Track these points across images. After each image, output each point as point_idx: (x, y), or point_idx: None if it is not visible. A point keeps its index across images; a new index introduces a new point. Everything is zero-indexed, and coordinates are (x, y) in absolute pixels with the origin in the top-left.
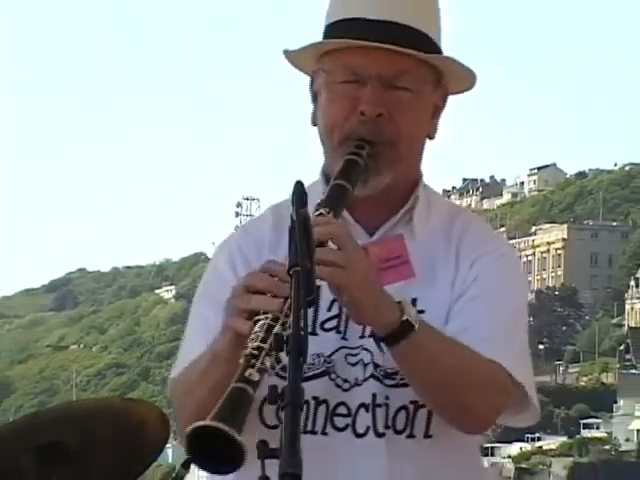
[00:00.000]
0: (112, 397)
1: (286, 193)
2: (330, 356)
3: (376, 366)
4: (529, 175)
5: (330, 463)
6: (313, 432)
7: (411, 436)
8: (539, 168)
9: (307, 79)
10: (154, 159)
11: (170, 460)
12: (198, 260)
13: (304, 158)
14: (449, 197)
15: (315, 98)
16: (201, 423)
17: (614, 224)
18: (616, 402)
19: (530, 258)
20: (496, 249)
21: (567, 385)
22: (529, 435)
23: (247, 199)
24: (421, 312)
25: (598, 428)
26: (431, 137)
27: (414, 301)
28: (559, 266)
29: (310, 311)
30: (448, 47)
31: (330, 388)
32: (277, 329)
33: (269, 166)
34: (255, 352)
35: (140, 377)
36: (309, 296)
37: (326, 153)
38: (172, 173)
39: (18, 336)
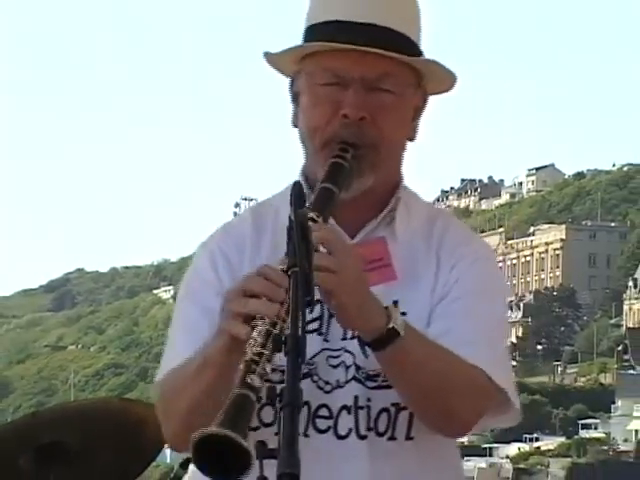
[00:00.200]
0: (110, 397)
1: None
2: (312, 358)
3: (358, 368)
4: (527, 176)
5: (312, 465)
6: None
7: (393, 438)
8: (537, 169)
9: None
10: (152, 159)
11: (168, 460)
12: None
13: (303, 159)
14: (447, 197)
15: (295, 99)
16: (209, 430)
17: (612, 225)
18: (614, 402)
19: (528, 259)
20: (476, 251)
21: (565, 385)
22: (527, 435)
23: (245, 199)
24: (403, 314)
25: (596, 428)
26: (412, 139)
27: (395, 303)
28: (557, 267)
29: None
30: (446, 48)
31: (312, 390)
32: (275, 333)
33: (268, 167)
34: (256, 358)
35: (138, 377)
36: (307, 296)
37: (307, 155)
38: (170, 173)
39: (16, 336)
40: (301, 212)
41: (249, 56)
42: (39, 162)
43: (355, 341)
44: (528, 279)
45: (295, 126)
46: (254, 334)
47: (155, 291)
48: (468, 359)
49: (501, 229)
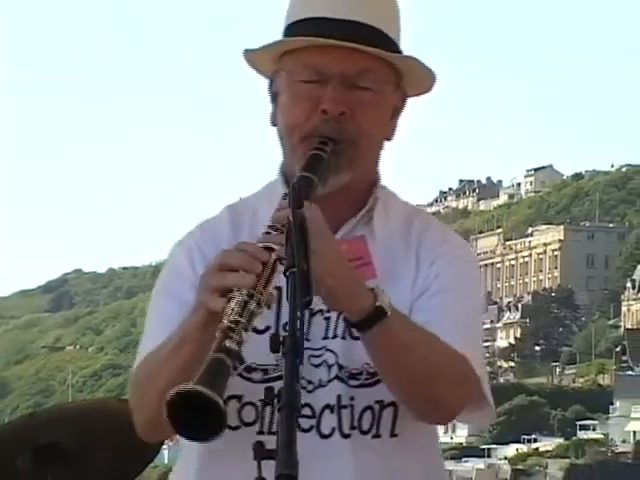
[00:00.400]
0: (108, 398)
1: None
2: None
3: (340, 367)
4: (526, 176)
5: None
6: (272, 433)
7: (377, 436)
8: (536, 169)
9: None
10: (151, 160)
11: (166, 461)
12: None
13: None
14: (446, 198)
15: (274, 98)
16: (184, 387)
17: (610, 225)
18: (612, 404)
19: (526, 259)
20: (455, 248)
21: (563, 386)
22: (525, 436)
23: None
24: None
25: (594, 430)
26: (389, 139)
27: (371, 289)
28: (555, 267)
29: (273, 312)
30: (445, 48)
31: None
32: (252, 305)
33: (266, 167)
34: (232, 325)
35: None
36: (306, 297)
37: (286, 152)
38: (169, 174)
39: (14, 337)
40: (299, 213)
41: None
42: (37, 162)
43: (337, 340)
44: (526, 280)
45: (274, 125)
46: (231, 304)
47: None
48: (452, 345)
49: (499, 230)
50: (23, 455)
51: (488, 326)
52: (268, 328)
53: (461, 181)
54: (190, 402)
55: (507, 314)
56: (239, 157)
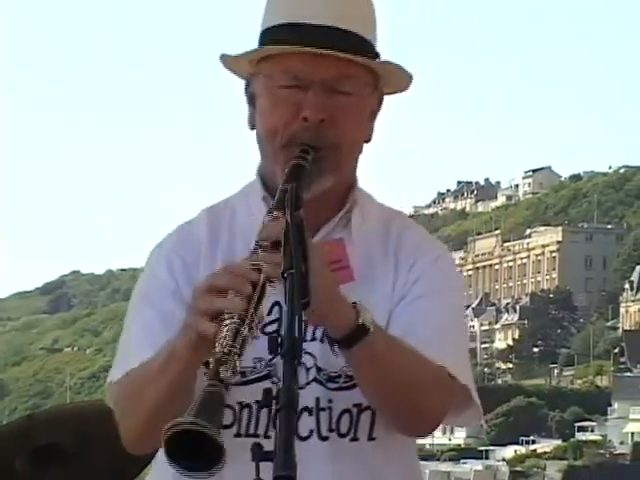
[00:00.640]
0: None
1: None
2: (272, 360)
3: (319, 370)
4: (524, 178)
5: (264, 475)
6: (255, 435)
7: (355, 439)
8: (534, 171)
9: None
10: (149, 161)
11: None
12: None
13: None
14: (444, 200)
15: (251, 101)
16: (181, 420)
17: (608, 227)
18: (611, 405)
19: (525, 261)
20: (433, 251)
21: (562, 388)
22: (524, 438)
23: None
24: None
25: (593, 431)
26: (368, 141)
27: (354, 305)
28: (554, 269)
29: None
30: (443, 48)
31: (272, 391)
32: (244, 331)
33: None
34: (226, 354)
35: None
36: (304, 299)
37: (265, 156)
38: (167, 174)
39: (12, 339)
40: (297, 215)
41: None
42: (35, 164)
43: (315, 343)
44: (524, 281)
45: (252, 128)
46: (223, 331)
47: None
48: (432, 358)
49: (497, 231)
50: (21, 456)
51: (486, 327)
52: None
53: (459, 182)
54: (187, 436)
55: (505, 315)
56: (236, 158)
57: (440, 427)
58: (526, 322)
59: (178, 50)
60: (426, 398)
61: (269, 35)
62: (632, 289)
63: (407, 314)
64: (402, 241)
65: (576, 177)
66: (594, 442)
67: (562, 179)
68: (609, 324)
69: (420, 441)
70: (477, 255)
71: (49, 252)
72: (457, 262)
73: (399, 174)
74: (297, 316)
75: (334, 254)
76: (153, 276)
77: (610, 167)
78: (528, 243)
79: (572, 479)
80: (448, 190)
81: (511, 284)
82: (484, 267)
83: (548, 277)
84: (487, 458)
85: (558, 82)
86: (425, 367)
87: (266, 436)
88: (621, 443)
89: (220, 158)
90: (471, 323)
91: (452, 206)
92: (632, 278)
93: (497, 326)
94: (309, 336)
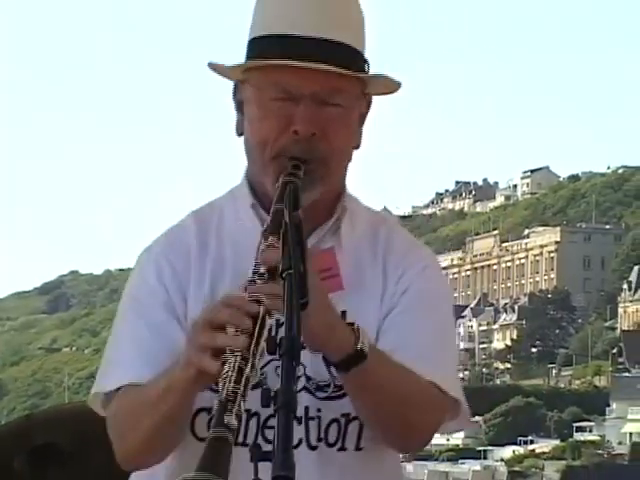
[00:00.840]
0: None
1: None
2: (261, 369)
3: (308, 379)
4: (522, 178)
5: (262, 476)
6: (244, 444)
7: (343, 449)
8: (532, 171)
9: None
10: (149, 161)
11: None
12: None
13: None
14: (442, 200)
15: (240, 107)
16: (191, 476)
17: (607, 227)
18: (609, 405)
19: (523, 261)
20: (421, 260)
21: (560, 388)
22: (522, 438)
23: None
24: (351, 324)
25: (591, 431)
26: (357, 147)
27: (343, 313)
28: (552, 269)
29: None
30: (442, 49)
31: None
32: (247, 371)
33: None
34: (230, 396)
35: None
36: (303, 299)
37: (253, 164)
38: (166, 175)
39: (10, 338)
40: (296, 215)
41: None
42: (34, 164)
43: (305, 352)
44: (523, 281)
45: (240, 134)
46: (226, 369)
47: None
48: (422, 374)
49: (496, 231)
50: (19, 456)
51: (484, 328)
52: None
53: (457, 183)
54: None
55: (503, 316)
56: (236, 159)
57: None
58: (524, 322)
59: (178, 50)
60: (417, 416)
61: (258, 46)
62: (630, 289)
63: (396, 327)
64: (390, 249)
65: (574, 177)
66: (592, 442)
67: (560, 179)
68: (607, 324)
69: None
70: (475, 255)
71: (48, 252)
72: (455, 262)
73: (398, 175)
74: (296, 316)
75: (324, 262)
76: (142, 283)
77: (608, 167)
78: (526, 243)
79: (570, 479)
80: (446, 190)
81: (509, 284)
82: (482, 267)
83: (546, 277)
84: (485, 458)
85: (557, 83)
86: (416, 385)
87: (255, 445)
88: (619, 443)
89: (220, 158)
90: (469, 323)
91: (450, 206)
92: (630, 278)
93: (495, 326)
94: None
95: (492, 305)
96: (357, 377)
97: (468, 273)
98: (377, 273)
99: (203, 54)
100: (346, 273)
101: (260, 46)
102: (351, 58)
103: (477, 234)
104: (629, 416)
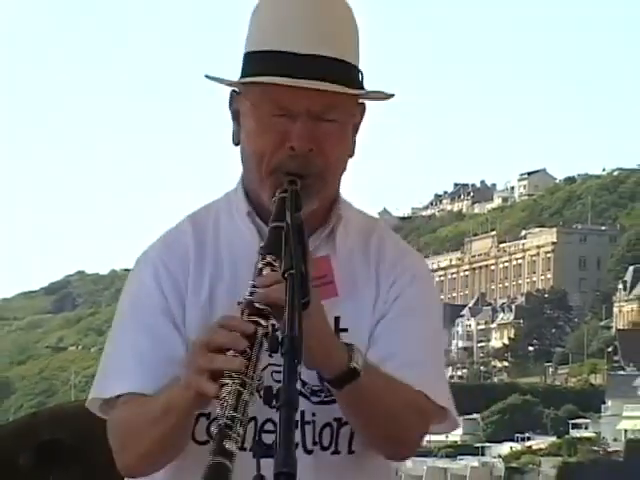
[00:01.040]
0: None
1: None
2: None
3: (303, 384)
4: (519, 180)
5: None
6: (242, 448)
7: (336, 452)
8: (529, 173)
9: None
10: (152, 161)
11: None
12: None
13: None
14: (441, 201)
15: (236, 117)
16: None
17: (602, 228)
18: (604, 403)
19: (520, 261)
20: (412, 267)
21: (556, 386)
22: (519, 435)
23: None
24: (344, 330)
25: (587, 428)
26: (351, 156)
27: (337, 319)
28: (548, 269)
29: None
30: (441, 49)
31: (258, 405)
32: (246, 396)
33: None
34: (229, 422)
35: None
36: (304, 299)
37: (249, 173)
38: (171, 175)
39: (17, 338)
40: (297, 216)
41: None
42: (40, 164)
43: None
44: (520, 282)
45: (236, 144)
46: (224, 394)
47: None
48: (411, 383)
49: (493, 232)
50: (25, 453)
51: (483, 327)
52: None
53: (456, 185)
54: None
55: (501, 315)
56: (235, 159)
57: None
58: (522, 321)
59: (178, 50)
60: (406, 426)
61: (253, 60)
62: (625, 289)
63: (387, 336)
64: (382, 255)
65: (571, 179)
66: (588, 439)
67: (557, 181)
68: (603, 323)
69: None
70: (473, 256)
71: (54, 253)
72: (454, 262)
73: (398, 177)
74: (297, 316)
75: (320, 269)
76: (141, 290)
77: (604, 170)
78: (523, 244)
79: (566, 475)
80: (445, 192)
81: (507, 284)
82: (480, 267)
83: (543, 277)
84: (483, 455)
85: (553, 86)
86: (406, 396)
87: (252, 449)
88: (614, 440)
89: (222, 159)
90: (468, 322)
91: (449, 208)
92: (625, 278)
93: (493, 325)
94: None
95: (490, 304)
96: (350, 394)
97: (466, 273)
98: (370, 280)
99: (203, 54)
100: (340, 279)
101: (255, 61)
102: (347, 73)
103: (475, 235)
104: (624, 413)
